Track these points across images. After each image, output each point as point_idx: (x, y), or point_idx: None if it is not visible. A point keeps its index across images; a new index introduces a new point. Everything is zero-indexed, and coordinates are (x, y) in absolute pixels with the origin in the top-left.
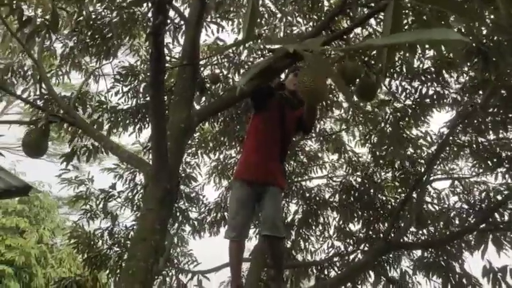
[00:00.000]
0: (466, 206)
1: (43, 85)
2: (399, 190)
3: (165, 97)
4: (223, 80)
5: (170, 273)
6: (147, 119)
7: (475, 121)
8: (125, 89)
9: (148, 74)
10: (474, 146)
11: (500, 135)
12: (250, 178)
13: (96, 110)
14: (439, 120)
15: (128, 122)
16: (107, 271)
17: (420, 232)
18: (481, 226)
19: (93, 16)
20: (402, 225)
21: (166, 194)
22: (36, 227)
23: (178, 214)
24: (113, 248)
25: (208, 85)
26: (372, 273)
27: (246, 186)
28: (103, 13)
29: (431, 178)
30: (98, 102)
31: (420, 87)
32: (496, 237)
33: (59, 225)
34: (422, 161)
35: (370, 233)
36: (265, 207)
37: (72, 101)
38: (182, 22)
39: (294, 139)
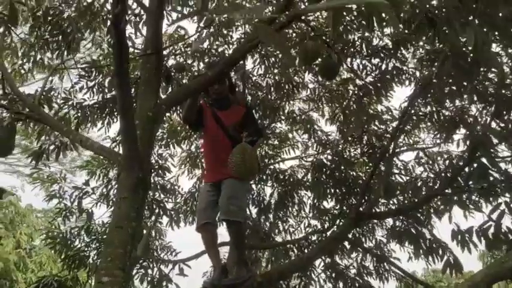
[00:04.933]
0: (431, 175)
1: (6, 84)
2: (368, 165)
3: (132, 89)
4: (188, 68)
5: (151, 265)
6: (115, 114)
7: (433, 92)
8: (90, 84)
9: (112, 67)
10: (435, 116)
11: (458, 104)
12: (210, 181)
13: (62, 106)
14: (401, 95)
15: (96, 116)
16: (87, 269)
17: (390, 203)
18: (446, 190)
19: (51, 11)
20: (372, 196)
21: (139, 182)
22: (12, 233)
23: (154, 206)
24: (91, 245)
25: (173, 74)
26: (347, 245)
27: (209, 187)
28: (60, 8)
29: (397, 150)
30: (63, 99)
31: (380, 64)
32: (461, 200)
33: (35, 228)
34: (388, 135)
35: (344, 208)
36: (221, 196)
37: (37, 98)
38: (143, 12)
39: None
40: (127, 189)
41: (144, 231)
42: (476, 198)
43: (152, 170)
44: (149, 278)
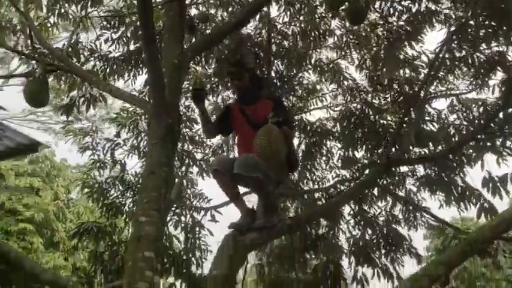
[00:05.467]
0: (465, 123)
1: (34, 38)
2: (399, 113)
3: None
4: (212, 18)
5: (184, 212)
6: (141, 65)
7: (468, 35)
8: (114, 36)
9: (134, 17)
10: (469, 60)
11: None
12: None
13: (88, 59)
14: (433, 39)
15: (122, 68)
16: (123, 216)
17: (421, 151)
18: (479, 136)
19: None
20: (402, 144)
21: (168, 129)
22: (50, 185)
23: (184, 157)
24: (126, 194)
25: (197, 24)
26: (376, 193)
27: None
28: None
29: (429, 97)
30: (89, 51)
31: (411, 5)
32: (494, 146)
33: (71, 181)
34: (420, 82)
35: (374, 157)
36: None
37: (65, 50)
38: None
39: None
40: (157, 136)
41: (176, 180)
42: (510, 144)
43: (181, 117)
44: (182, 225)
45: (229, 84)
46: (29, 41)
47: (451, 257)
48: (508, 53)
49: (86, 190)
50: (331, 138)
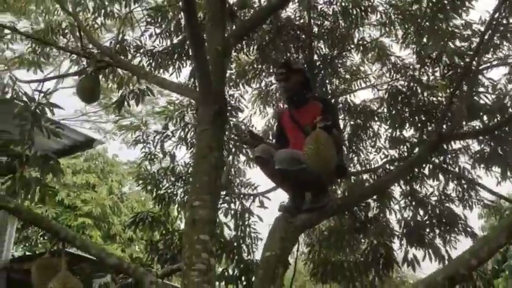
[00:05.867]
0: None
1: (83, 37)
2: (450, 87)
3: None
4: (250, 4)
5: (233, 200)
6: (184, 58)
7: None
8: (158, 31)
9: (177, 11)
10: None
11: None
12: None
13: (135, 55)
14: (484, 6)
15: (166, 62)
16: (176, 205)
17: (475, 125)
18: None
19: None
20: (454, 118)
21: (216, 114)
22: (104, 181)
23: (231, 146)
24: (177, 184)
25: (236, 11)
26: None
27: None
28: None
29: (482, 67)
30: (135, 48)
31: None
32: None
33: (123, 176)
34: (471, 53)
35: (424, 136)
36: None
37: (113, 47)
38: None
39: None
40: (206, 122)
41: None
42: None
43: (227, 103)
44: (232, 212)
45: (277, 86)
46: (79, 43)
47: None
48: None
49: (140, 182)
50: (377, 119)
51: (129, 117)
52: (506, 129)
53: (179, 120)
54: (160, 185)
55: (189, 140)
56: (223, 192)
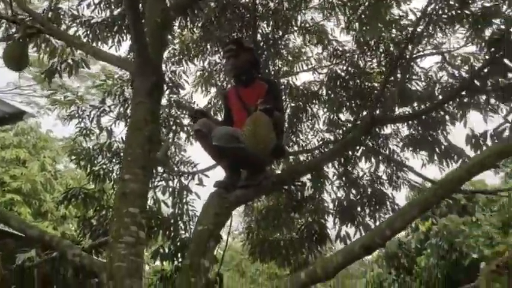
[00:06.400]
0: (451, 80)
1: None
2: (385, 74)
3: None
4: None
5: (172, 177)
6: (124, 31)
7: None
8: (96, 1)
9: None
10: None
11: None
12: None
13: (70, 25)
14: None
15: (105, 34)
16: (112, 182)
17: (406, 111)
18: (463, 93)
19: None
20: (386, 103)
21: (153, 87)
22: (36, 157)
23: (171, 123)
24: (113, 161)
25: None
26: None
27: None
28: None
29: (415, 55)
30: (71, 17)
31: None
32: (477, 103)
33: (58, 152)
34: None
35: (359, 121)
36: None
37: (45, 15)
38: None
39: None
40: (142, 94)
41: (163, 143)
42: (494, 102)
43: (164, 76)
44: (170, 190)
45: (225, 63)
46: (8, 9)
47: (426, 198)
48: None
49: (74, 157)
50: (317, 101)
51: (65, 93)
52: (433, 115)
53: (118, 95)
54: (95, 161)
55: (128, 115)
56: (161, 170)
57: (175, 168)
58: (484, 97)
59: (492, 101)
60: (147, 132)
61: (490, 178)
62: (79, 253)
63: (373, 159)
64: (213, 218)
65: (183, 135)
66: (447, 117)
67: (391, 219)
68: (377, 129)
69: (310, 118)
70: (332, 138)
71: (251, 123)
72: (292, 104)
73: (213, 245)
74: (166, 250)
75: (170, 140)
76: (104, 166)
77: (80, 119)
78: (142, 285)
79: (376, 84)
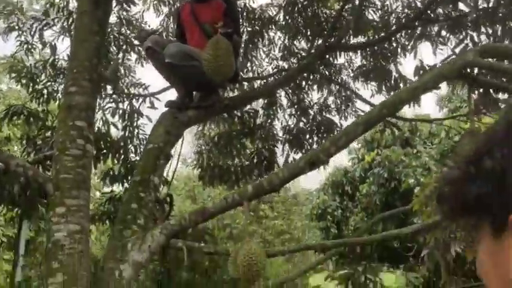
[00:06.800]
0: (406, 10)
1: None
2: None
3: None
4: None
5: (122, 99)
6: None
7: None
8: None
9: None
10: None
11: None
12: None
13: None
14: None
15: None
16: (56, 102)
17: (360, 42)
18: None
19: None
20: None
21: None
22: None
23: (121, 42)
24: (57, 79)
25: None
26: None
27: None
28: None
29: None
30: None
31: None
32: (428, 34)
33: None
34: None
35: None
36: None
37: None
38: None
39: None
40: (88, 2)
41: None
42: (445, 34)
43: None
44: (120, 112)
45: None
46: None
47: (371, 117)
48: None
49: (14, 75)
50: (273, 27)
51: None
52: (386, 45)
53: (62, 7)
54: (38, 80)
55: (74, 30)
56: (111, 91)
57: (126, 90)
58: (435, 28)
59: (443, 33)
60: (94, 44)
61: (436, 113)
62: (22, 163)
63: (324, 90)
64: (164, 137)
65: (133, 56)
66: (399, 49)
67: (335, 137)
68: (330, 58)
69: (266, 44)
70: (286, 66)
71: (213, 48)
72: (249, 29)
73: (163, 163)
74: (116, 173)
75: (120, 61)
76: (48, 84)
77: (20, 32)
78: (89, 197)
79: (333, 12)
